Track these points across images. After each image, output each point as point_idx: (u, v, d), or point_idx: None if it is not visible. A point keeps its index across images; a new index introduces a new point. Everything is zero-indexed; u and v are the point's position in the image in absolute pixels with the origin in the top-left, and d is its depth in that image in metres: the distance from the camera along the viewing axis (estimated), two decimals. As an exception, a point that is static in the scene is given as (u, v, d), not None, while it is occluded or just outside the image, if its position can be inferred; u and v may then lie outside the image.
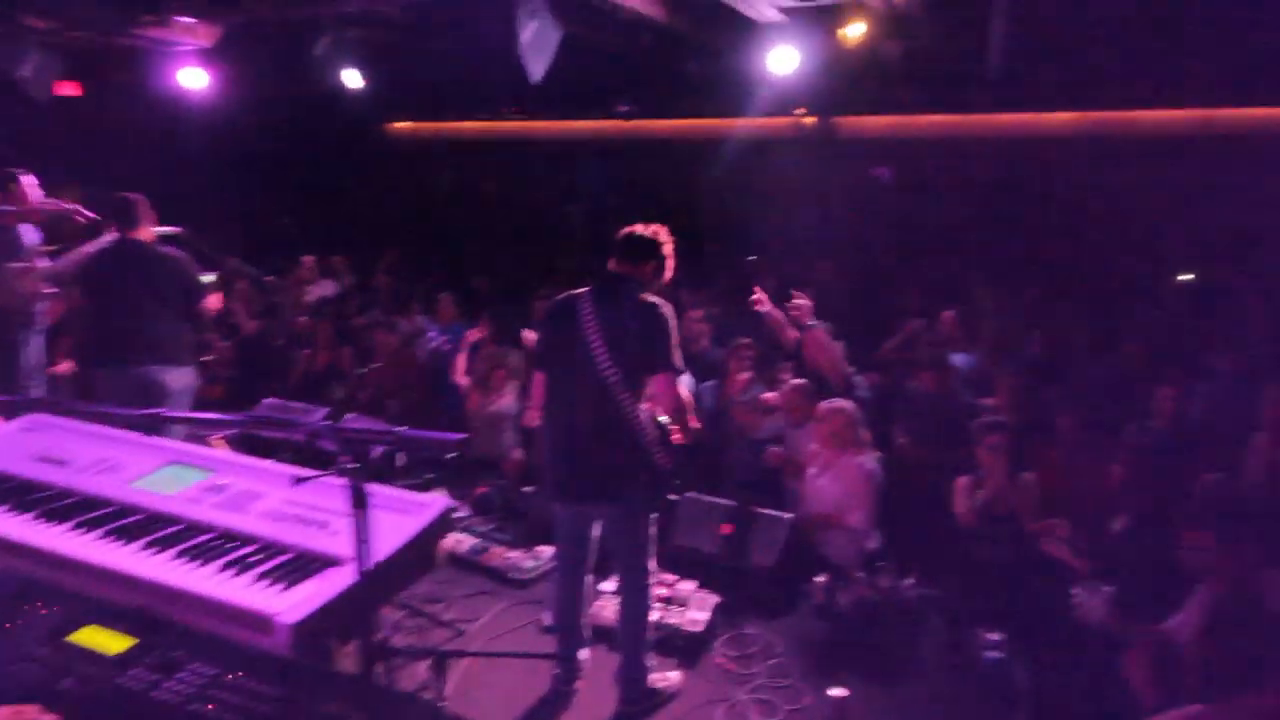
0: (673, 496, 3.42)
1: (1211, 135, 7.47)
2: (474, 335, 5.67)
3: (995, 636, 3.50)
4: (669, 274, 3.26)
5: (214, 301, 4.76)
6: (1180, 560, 3.06)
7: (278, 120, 9.75)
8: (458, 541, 4.27)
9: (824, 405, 4.38)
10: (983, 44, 3.75)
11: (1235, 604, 2.71)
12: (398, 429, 1.75)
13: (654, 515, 3.22)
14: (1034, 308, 6.53)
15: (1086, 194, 7.78)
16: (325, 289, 7.99)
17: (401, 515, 2.02)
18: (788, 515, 4.22)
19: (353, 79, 6.73)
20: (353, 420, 4.86)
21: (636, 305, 3.07)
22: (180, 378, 4.43)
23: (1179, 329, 5.94)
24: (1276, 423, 3.96)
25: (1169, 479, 3.73)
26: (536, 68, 4.29)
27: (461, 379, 5.55)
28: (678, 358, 3.11)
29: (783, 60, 5.29)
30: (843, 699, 3.06)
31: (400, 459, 5.08)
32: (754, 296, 4.73)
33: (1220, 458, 4.17)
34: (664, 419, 3.15)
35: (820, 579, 3.93)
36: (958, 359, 5.49)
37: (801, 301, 4.59)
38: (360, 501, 1.66)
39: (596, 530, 3.28)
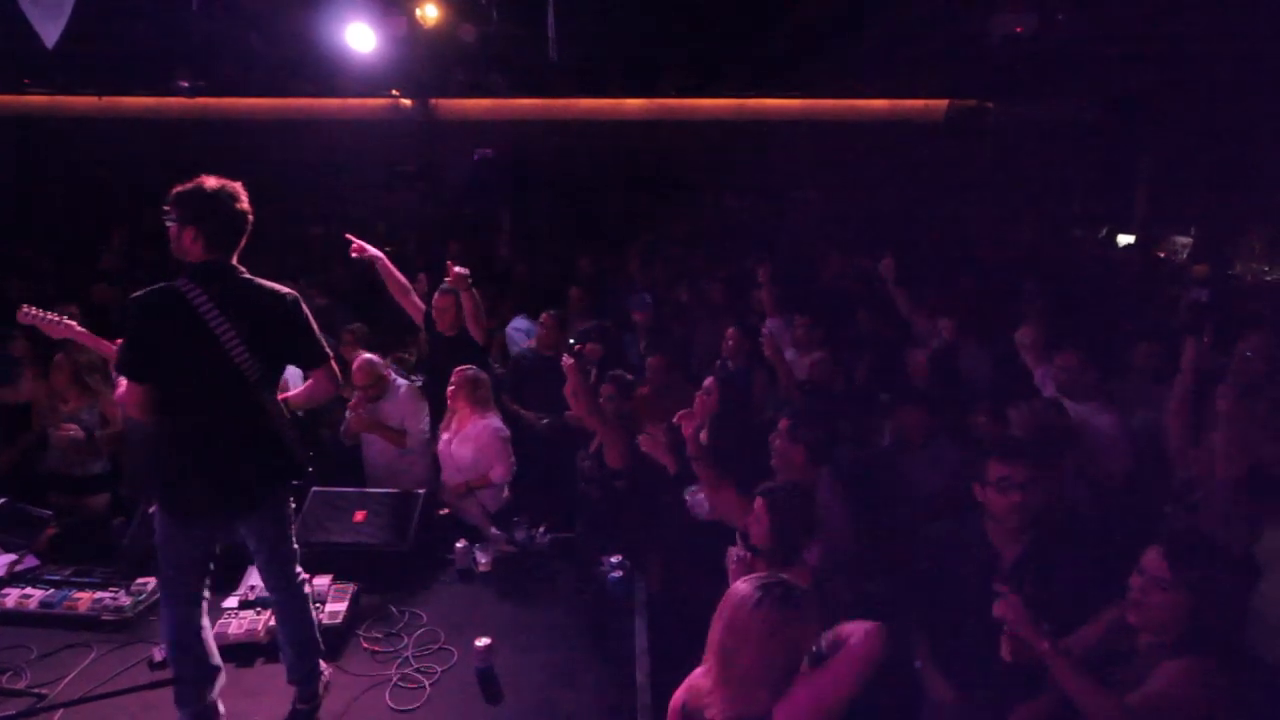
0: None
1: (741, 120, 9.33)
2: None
3: (615, 559, 4.00)
4: None
5: None
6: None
7: None
8: (22, 599, 3.58)
9: (457, 372, 4.53)
10: (543, 34, 4.14)
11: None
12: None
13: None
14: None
15: (649, 167, 9.19)
16: None
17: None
18: (420, 490, 4.29)
19: None
20: None
21: (264, 295, 2.82)
22: None
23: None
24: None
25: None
26: (50, 31, 3.56)
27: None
28: (325, 344, 3.00)
29: (360, 37, 5.17)
30: (487, 645, 3.29)
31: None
32: (352, 246, 4.73)
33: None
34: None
35: (460, 544, 4.09)
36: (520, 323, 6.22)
37: (459, 270, 4.76)
38: None
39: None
